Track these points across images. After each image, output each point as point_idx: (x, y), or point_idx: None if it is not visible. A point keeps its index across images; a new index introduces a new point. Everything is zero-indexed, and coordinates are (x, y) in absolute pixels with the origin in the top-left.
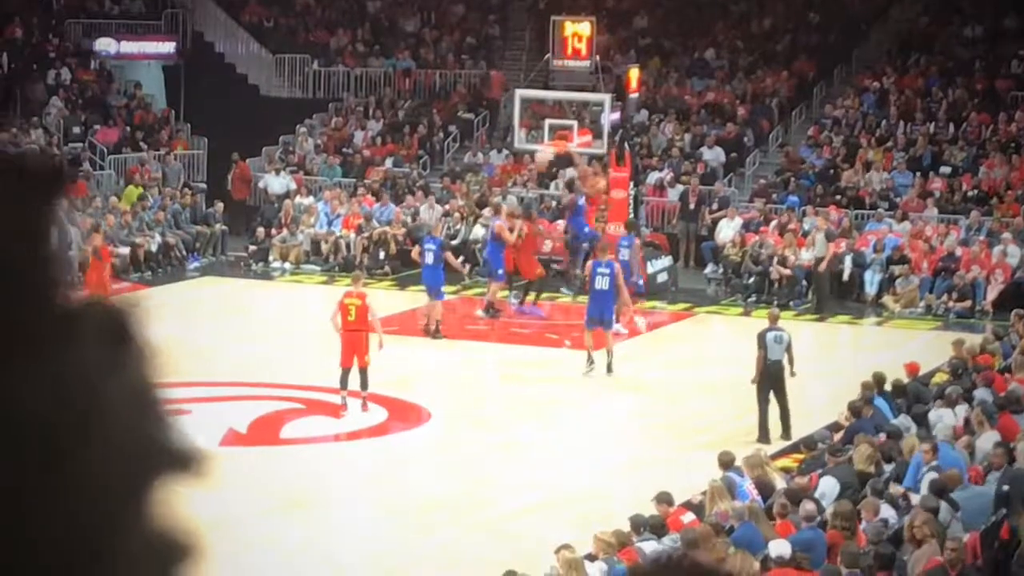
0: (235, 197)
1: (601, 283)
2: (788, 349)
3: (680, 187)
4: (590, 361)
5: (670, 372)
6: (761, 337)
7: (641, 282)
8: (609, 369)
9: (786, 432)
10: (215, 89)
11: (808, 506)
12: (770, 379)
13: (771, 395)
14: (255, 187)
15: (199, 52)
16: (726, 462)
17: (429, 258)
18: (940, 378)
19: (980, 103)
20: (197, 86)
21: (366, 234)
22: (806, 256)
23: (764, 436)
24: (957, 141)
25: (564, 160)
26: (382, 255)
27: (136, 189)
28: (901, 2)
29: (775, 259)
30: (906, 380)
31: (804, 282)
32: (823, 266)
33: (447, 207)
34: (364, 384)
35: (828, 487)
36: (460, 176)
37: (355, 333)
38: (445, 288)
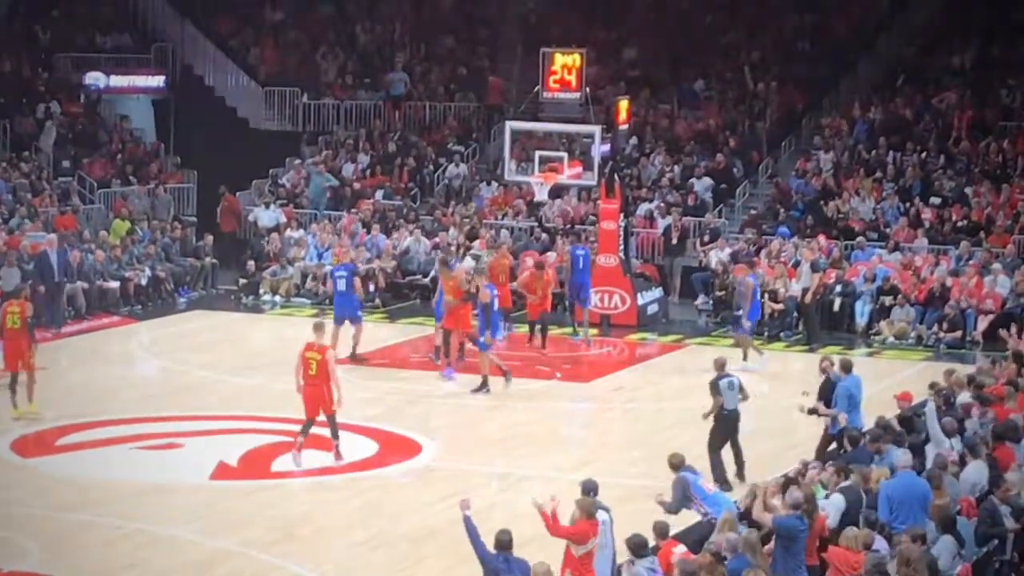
0: (224, 230)
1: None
2: (741, 391)
3: (670, 219)
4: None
5: (661, 403)
6: (714, 385)
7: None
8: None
9: (740, 474)
10: (205, 122)
11: (796, 493)
12: (727, 427)
13: (726, 443)
14: (245, 220)
15: (188, 85)
16: (676, 464)
17: (341, 285)
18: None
19: (969, 132)
20: (187, 119)
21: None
22: (796, 287)
23: (725, 486)
24: (946, 171)
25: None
26: (372, 288)
27: (123, 223)
28: (889, 32)
29: (766, 293)
30: (901, 409)
31: (795, 313)
32: (808, 297)
33: (436, 239)
34: (334, 432)
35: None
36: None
37: (317, 388)
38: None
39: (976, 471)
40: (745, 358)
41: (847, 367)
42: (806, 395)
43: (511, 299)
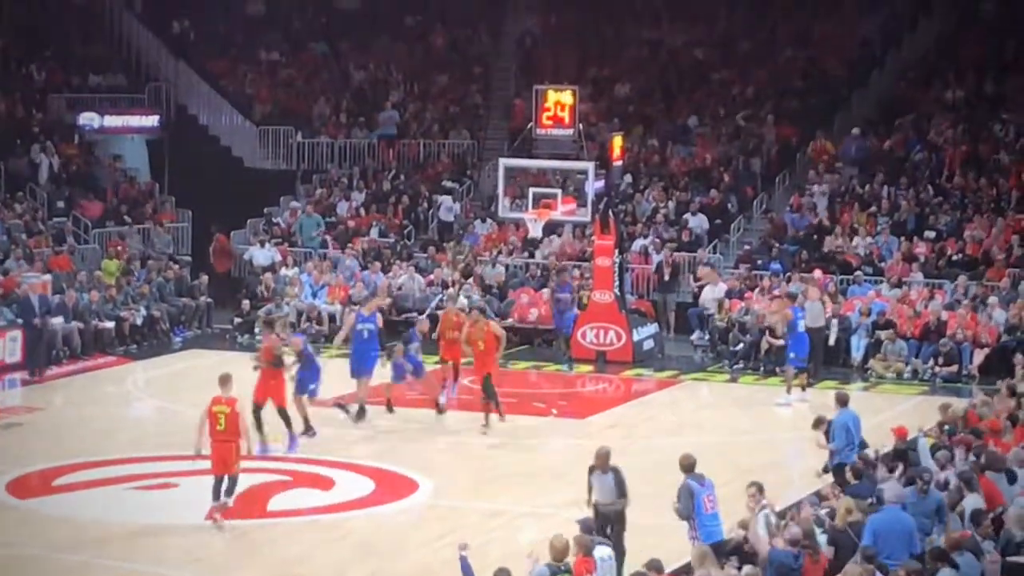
0: (217, 270)
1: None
2: (620, 486)
3: (664, 254)
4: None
5: (657, 439)
6: (589, 476)
7: None
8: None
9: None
10: (199, 161)
11: (794, 529)
12: (604, 521)
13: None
14: (240, 259)
15: (183, 125)
16: (686, 466)
17: (365, 334)
18: (929, 442)
19: (963, 167)
20: (181, 159)
21: (354, 307)
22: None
23: None
24: (941, 205)
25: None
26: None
27: (113, 262)
28: (882, 68)
29: (766, 331)
30: (896, 443)
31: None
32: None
33: (431, 277)
34: (230, 491)
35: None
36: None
37: (225, 444)
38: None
39: (973, 504)
40: (789, 391)
41: (843, 401)
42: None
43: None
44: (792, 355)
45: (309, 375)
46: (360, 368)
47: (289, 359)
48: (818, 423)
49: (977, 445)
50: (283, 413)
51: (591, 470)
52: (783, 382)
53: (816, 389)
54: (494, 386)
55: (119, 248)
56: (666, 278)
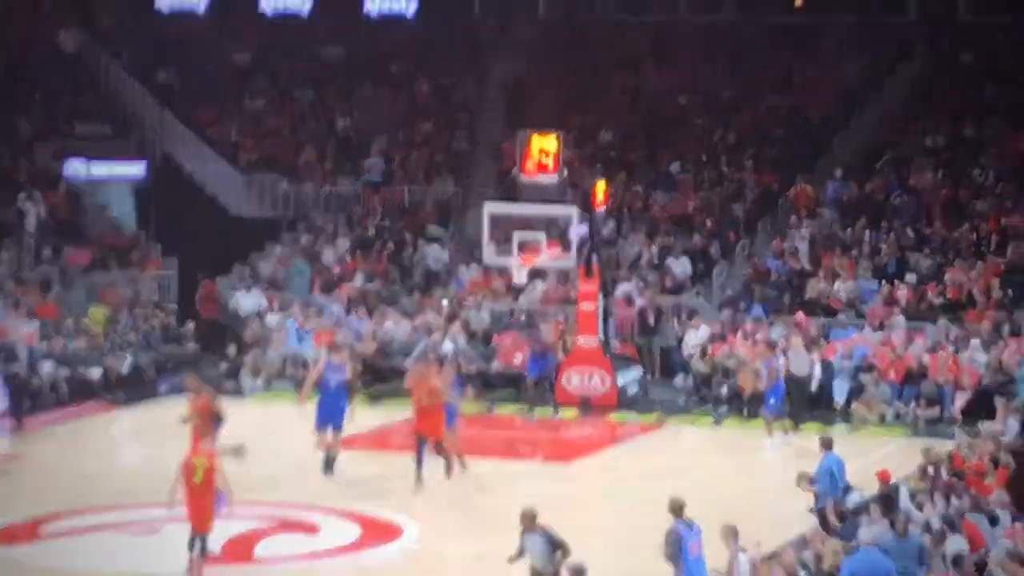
0: (204, 316)
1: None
2: (552, 544)
3: (647, 299)
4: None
5: (643, 483)
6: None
7: None
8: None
9: None
10: (185, 209)
11: (777, 573)
12: None
13: None
14: (226, 306)
15: (168, 173)
16: (675, 509)
17: (333, 385)
18: (912, 485)
19: (943, 211)
20: (167, 207)
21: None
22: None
23: None
24: (922, 249)
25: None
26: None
27: (99, 309)
28: (862, 112)
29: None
30: (879, 487)
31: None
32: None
33: (416, 322)
34: (203, 549)
35: None
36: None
37: (204, 498)
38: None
39: (955, 547)
40: (771, 435)
41: (828, 445)
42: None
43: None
44: (772, 401)
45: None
46: (326, 421)
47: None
48: (801, 479)
49: (960, 487)
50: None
51: (521, 532)
52: (766, 426)
53: (799, 434)
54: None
55: (108, 296)
56: (650, 322)
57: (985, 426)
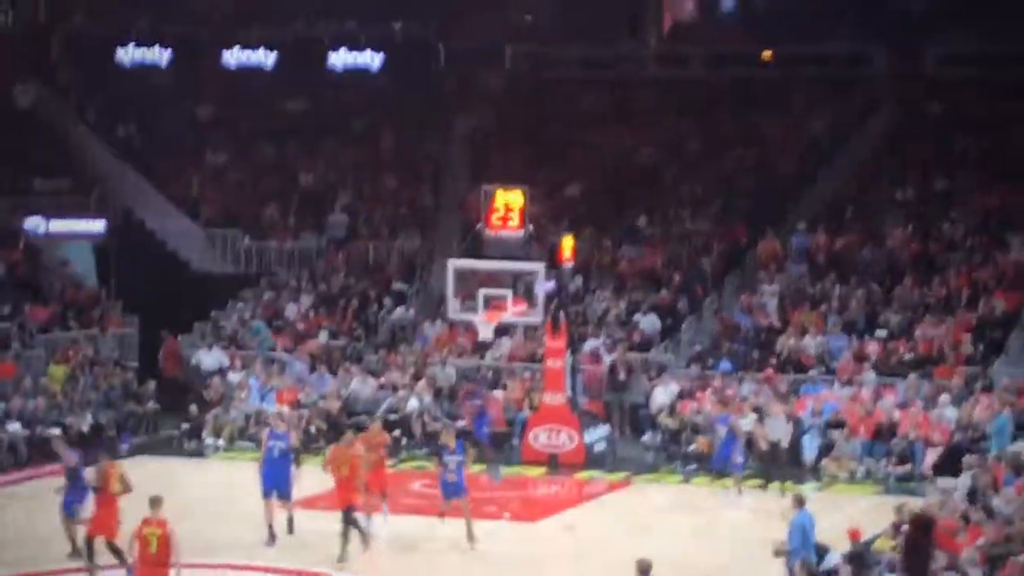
0: (167, 374)
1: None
2: None
3: (615, 355)
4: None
5: (611, 542)
6: None
7: None
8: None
9: None
10: (146, 265)
11: None
12: None
13: None
14: (187, 363)
15: (129, 229)
16: (644, 569)
17: (276, 452)
18: (883, 543)
19: (913, 265)
20: (128, 263)
21: (303, 410)
22: (745, 424)
23: None
24: (891, 304)
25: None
26: (313, 430)
27: (59, 368)
28: (830, 166)
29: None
30: (851, 545)
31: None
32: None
33: (382, 380)
34: None
35: None
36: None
37: (160, 568)
38: None
39: None
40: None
41: (800, 502)
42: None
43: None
44: (739, 460)
45: (75, 496)
46: (271, 488)
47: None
48: (778, 550)
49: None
50: (112, 547)
51: None
52: (734, 484)
53: (770, 491)
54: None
55: (69, 353)
56: (621, 377)
57: (940, 482)
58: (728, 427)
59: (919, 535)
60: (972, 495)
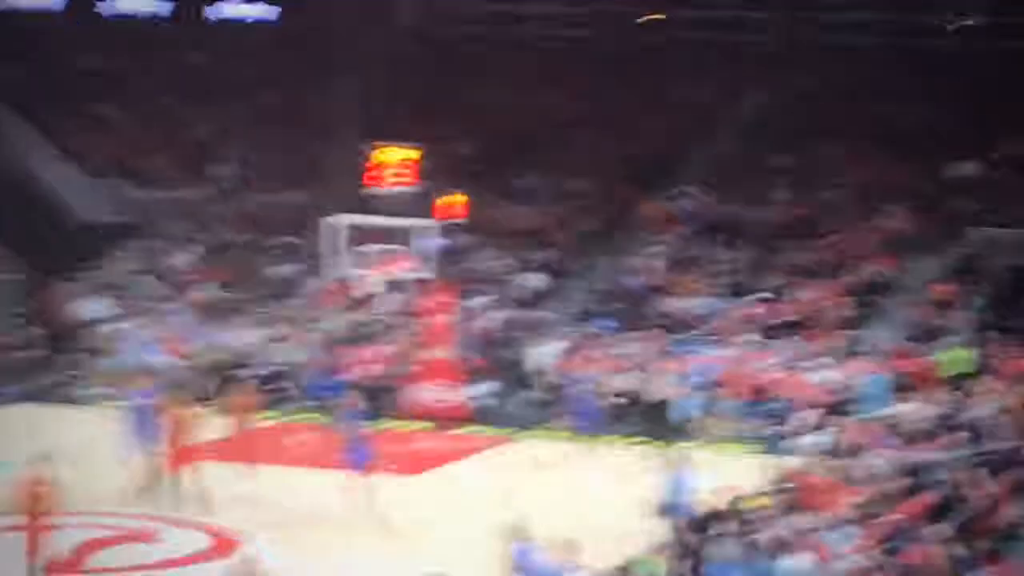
0: (51, 322)
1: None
2: None
3: (501, 312)
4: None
5: (490, 497)
6: None
7: None
8: None
9: None
10: (32, 214)
11: None
12: None
13: None
14: (72, 312)
15: (15, 177)
16: (517, 529)
17: (137, 409)
18: (761, 501)
19: (795, 231)
20: (14, 212)
21: (191, 361)
22: (623, 381)
23: None
24: (773, 267)
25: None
26: (206, 380)
27: None
28: (717, 130)
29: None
30: (728, 502)
31: (629, 407)
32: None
33: (269, 332)
34: None
35: None
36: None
37: (40, 520)
38: None
39: (804, 561)
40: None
41: (680, 461)
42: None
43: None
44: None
45: None
46: (138, 440)
47: None
48: (660, 511)
49: (805, 503)
50: None
51: None
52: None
53: (652, 449)
54: None
55: None
56: (504, 336)
57: (804, 441)
58: (595, 385)
59: None
60: (835, 453)
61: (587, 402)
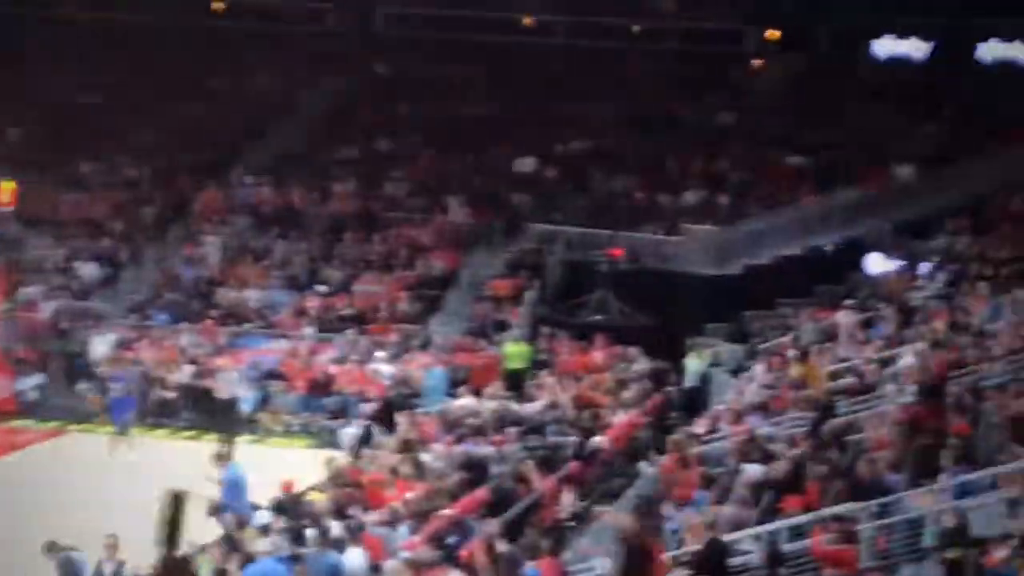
0: None
1: None
2: None
3: (53, 303)
4: None
5: (39, 491)
6: None
7: None
8: None
9: None
10: None
11: None
12: None
13: None
14: None
15: None
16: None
17: None
18: (315, 495)
19: (356, 223)
20: None
21: None
22: (181, 376)
23: None
24: (333, 260)
25: None
26: None
27: None
28: (278, 121)
29: (156, 380)
30: (282, 496)
31: (182, 400)
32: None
33: None
34: None
35: None
36: None
37: None
38: None
39: (357, 557)
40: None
41: (227, 457)
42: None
43: None
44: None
45: None
46: None
47: None
48: (211, 511)
49: (360, 498)
50: None
51: None
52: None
53: (205, 443)
54: None
55: None
56: (56, 327)
57: (356, 434)
58: (146, 378)
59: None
60: (393, 448)
61: (135, 395)
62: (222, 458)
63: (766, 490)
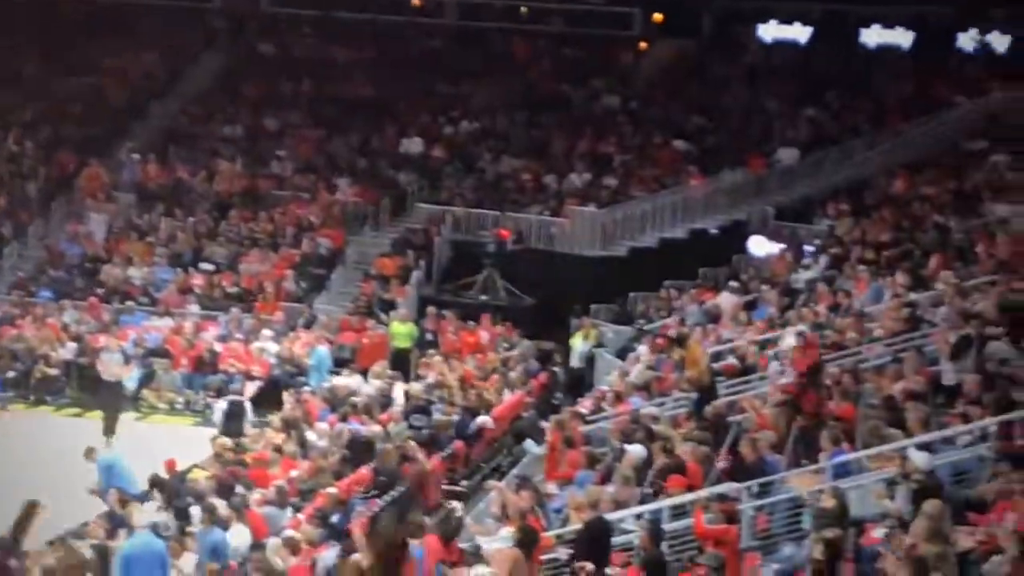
0: None
1: None
2: None
3: None
4: None
5: None
6: None
7: None
8: None
9: None
10: None
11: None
12: None
13: None
14: None
15: None
16: None
17: None
18: (198, 474)
19: (241, 200)
20: None
21: None
22: (64, 352)
23: None
24: (218, 237)
25: None
26: None
27: None
28: (163, 99)
29: (41, 357)
30: (165, 476)
31: (65, 378)
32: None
33: None
34: None
35: None
36: None
37: None
38: None
39: (237, 536)
40: None
41: (91, 452)
42: None
43: None
44: None
45: None
46: None
47: None
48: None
49: (244, 476)
50: None
51: None
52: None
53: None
54: None
55: None
56: None
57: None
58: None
59: None
60: (278, 426)
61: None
62: (90, 453)
63: (648, 470)
